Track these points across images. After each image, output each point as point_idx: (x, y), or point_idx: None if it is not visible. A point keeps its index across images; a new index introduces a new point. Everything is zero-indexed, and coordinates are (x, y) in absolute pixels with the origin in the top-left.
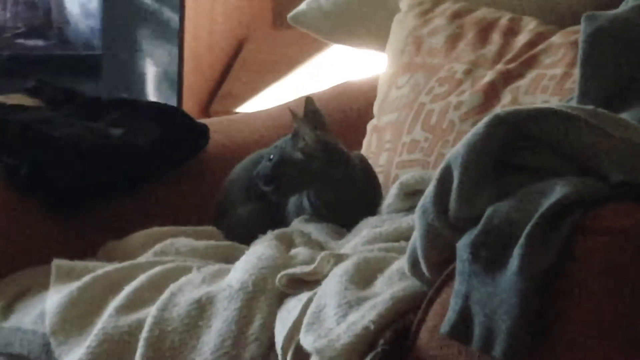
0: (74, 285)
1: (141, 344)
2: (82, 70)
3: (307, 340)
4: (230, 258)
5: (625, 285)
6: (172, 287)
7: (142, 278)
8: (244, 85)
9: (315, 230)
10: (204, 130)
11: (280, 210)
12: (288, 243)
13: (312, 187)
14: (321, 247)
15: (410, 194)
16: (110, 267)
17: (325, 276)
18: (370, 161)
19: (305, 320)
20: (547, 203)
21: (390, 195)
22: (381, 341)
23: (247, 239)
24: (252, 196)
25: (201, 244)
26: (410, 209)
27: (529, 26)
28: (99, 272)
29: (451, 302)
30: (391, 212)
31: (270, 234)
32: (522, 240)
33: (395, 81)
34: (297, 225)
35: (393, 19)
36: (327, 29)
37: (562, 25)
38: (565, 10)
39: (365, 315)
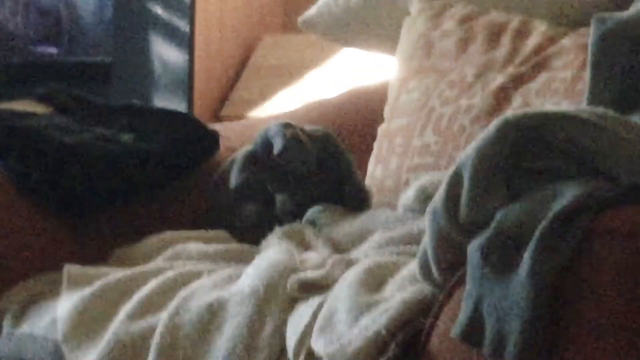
0: (86, 291)
1: (153, 349)
2: (93, 77)
3: (318, 345)
4: (241, 260)
5: (637, 287)
6: (183, 292)
7: (153, 283)
8: (255, 89)
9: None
10: (214, 136)
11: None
12: (299, 240)
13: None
14: (333, 244)
15: (427, 197)
16: (121, 272)
17: (336, 281)
18: (380, 165)
19: (317, 325)
20: (557, 206)
21: (406, 197)
22: (393, 345)
23: (256, 239)
24: (250, 197)
25: (211, 247)
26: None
27: (539, 29)
28: (111, 277)
29: (462, 306)
30: (407, 210)
31: (280, 232)
32: (532, 243)
33: (406, 85)
34: (310, 215)
35: (403, 22)
36: (338, 33)
37: (573, 27)
38: (575, 12)
39: (376, 320)
